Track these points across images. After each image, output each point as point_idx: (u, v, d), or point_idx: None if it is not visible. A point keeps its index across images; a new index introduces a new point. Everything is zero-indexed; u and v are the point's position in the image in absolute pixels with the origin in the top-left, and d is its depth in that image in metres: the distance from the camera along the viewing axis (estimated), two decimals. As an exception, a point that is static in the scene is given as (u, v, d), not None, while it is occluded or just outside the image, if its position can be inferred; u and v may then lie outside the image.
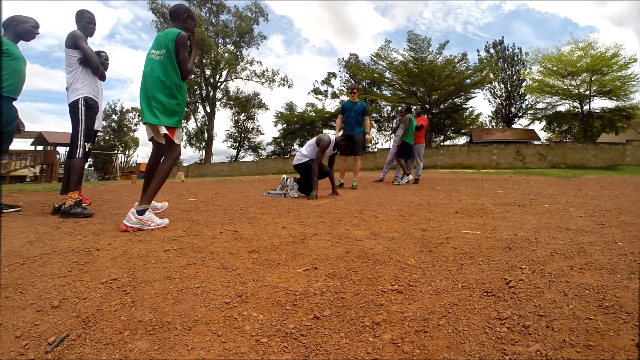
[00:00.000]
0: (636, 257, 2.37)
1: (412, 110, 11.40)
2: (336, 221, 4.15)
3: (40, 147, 44.44)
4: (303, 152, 6.93)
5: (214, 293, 2.00)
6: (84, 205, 4.73)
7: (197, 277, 2.25)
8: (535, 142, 38.21)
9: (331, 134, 6.85)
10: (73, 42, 4.59)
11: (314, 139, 6.88)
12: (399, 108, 12.53)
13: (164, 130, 3.73)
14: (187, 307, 1.83)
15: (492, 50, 52.41)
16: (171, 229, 3.70)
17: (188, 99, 54.59)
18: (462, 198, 6.35)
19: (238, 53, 55.05)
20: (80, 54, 4.63)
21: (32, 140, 44.10)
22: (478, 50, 55.20)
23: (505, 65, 51.73)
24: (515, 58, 51.35)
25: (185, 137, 57.86)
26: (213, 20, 53.46)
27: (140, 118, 4.55)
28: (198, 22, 49.06)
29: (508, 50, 51.81)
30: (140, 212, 3.60)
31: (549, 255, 2.53)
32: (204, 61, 51.09)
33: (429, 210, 4.94)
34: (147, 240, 3.18)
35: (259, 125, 66.08)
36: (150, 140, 4.05)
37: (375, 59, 45.61)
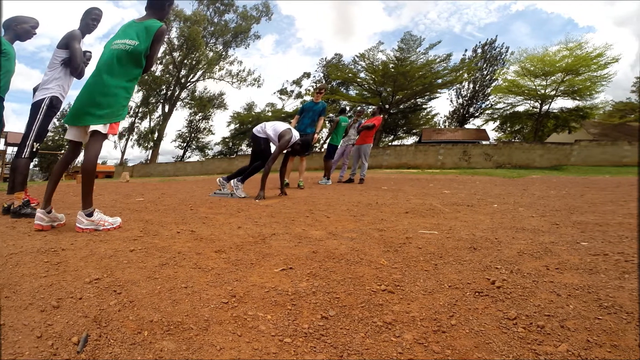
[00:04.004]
0: (618, 257, 2.50)
1: (346, 111, 11.68)
2: (289, 221, 4.18)
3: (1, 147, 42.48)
4: (266, 128, 6.88)
5: (206, 293, 1.98)
6: (32, 205, 4.56)
7: (178, 277, 2.22)
8: (484, 142, 39.09)
9: (294, 133, 6.74)
10: (65, 43, 4.48)
11: (281, 128, 6.76)
12: (358, 108, 12.87)
13: (101, 128, 3.45)
14: (188, 307, 1.81)
15: (479, 50, 52.64)
16: (127, 229, 3.62)
17: (153, 99, 53.52)
18: (410, 198, 6.52)
19: (223, 52, 54.28)
20: (66, 55, 4.51)
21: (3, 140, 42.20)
22: (466, 50, 56.10)
23: (485, 65, 52.03)
24: (498, 58, 51.57)
25: (135, 137, 56.59)
26: (215, 20, 52.39)
27: (77, 120, 3.85)
28: (200, 22, 47.92)
29: (495, 50, 51.96)
30: (89, 214, 3.48)
31: (517, 255, 2.65)
32: (185, 61, 50.19)
33: (379, 210, 5.05)
34: (108, 240, 3.10)
35: (211, 125, 65.47)
36: (70, 140, 3.68)
37: (357, 59, 45.90)
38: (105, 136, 3.53)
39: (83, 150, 3.69)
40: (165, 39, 48.27)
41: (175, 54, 50.63)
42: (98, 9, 4.72)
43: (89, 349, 1.43)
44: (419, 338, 1.54)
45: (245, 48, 58.07)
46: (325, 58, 61.37)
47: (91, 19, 4.68)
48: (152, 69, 3.58)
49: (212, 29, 52.02)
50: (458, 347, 1.46)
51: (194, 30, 46.37)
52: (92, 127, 3.44)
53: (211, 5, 51.08)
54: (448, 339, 1.53)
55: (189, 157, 64.12)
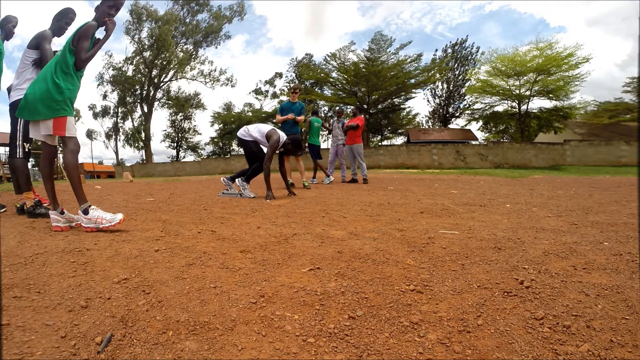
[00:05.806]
0: (628, 257, 2.50)
1: (319, 112, 11.81)
2: (307, 221, 4.20)
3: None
4: (250, 131, 6.92)
5: (234, 293, 2.00)
6: (44, 205, 4.57)
7: (206, 277, 2.24)
8: (473, 142, 39.10)
9: (281, 133, 6.78)
10: (36, 43, 4.45)
11: (266, 129, 6.81)
12: (337, 108, 13.24)
13: (49, 125, 3.45)
14: (216, 307, 1.82)
15: (449, 50, 52.86)
16: (147, 229, 3.65)
17: (129, 99, 53.53)
18: (420, 198, 6.53)
19: (194, 52, 54.44)
20: (37, 55, 4.48)
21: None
22: (436, 50, 56.63)
23: (456, 65, 52.33)
24: (469, 58, 51.80)
25: (122, 137, 57.32)
26: (187, 20, 52.39)
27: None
28: (171, 22, 47.74)
29: (466, 49, 52.21)
30: (85, 212, 3.50)
31: (543, 255, 2.64)
32: (156, 62, 50.22)
33: (393, 210, 5.04)
34: (130, 240, 3.13)
35: (195, 125, 66.68)
36: (38, 138, 3.71)
37: (328, 58, 45.99)
38: (70, 137, 3.54)
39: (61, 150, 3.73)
40: (136, 39, 48.89)
41: (146, 54, 50.69)
42: (73, 12, 4.65)
43: (109, 349, 1.45)
44: (443, 338, 1.54)
45: (216, 48, 59.18)
46: (296, 58, 62.04)
47: (65, 22, 4.61)
48: (87, 65, 3.51)
49: (184, 28, 52.02)
50: (480, 347, 1.47)
51: (164, 30, 46.41)
52: (42, 131, 3.48)
53: (186, 5, 51.11)
54: (471, 339, 1.53)
55: (184, 157, 65.49)
